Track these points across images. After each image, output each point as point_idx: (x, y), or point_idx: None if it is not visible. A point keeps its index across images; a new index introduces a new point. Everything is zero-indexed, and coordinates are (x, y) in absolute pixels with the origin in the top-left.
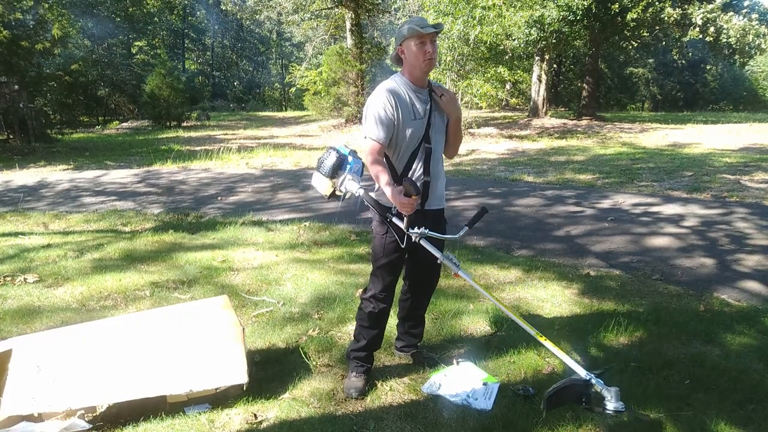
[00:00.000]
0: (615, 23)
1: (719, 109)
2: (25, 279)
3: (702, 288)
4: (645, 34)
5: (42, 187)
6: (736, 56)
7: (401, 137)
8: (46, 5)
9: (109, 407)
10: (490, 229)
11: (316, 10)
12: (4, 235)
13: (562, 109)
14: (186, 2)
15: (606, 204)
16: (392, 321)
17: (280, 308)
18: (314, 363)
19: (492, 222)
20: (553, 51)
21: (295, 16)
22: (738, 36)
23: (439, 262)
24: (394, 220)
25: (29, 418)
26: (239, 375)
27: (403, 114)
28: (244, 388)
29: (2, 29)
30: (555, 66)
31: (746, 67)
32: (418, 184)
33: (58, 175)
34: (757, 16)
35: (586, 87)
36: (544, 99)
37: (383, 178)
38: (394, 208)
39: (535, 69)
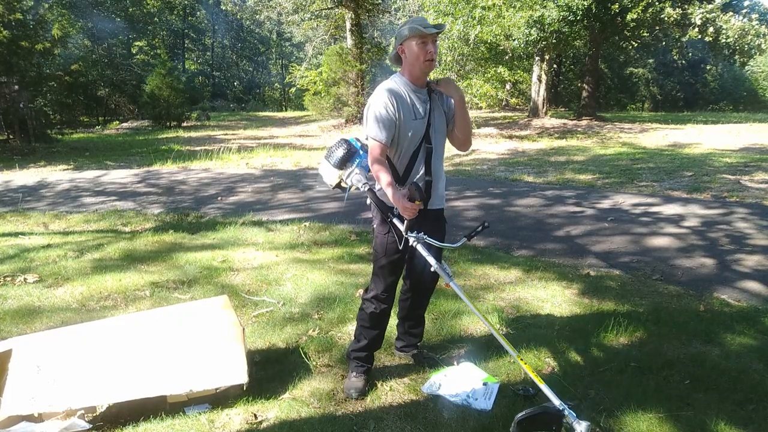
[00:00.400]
0: (615, 23)
1: (719, 109)
2: (25, 279)
3: (702, 288)
4: (645, 34)
5: (42, 187)
6: (736, 56)
7: (402, 137)
8: (46, 5)
9: (109, 407)
10: (490, 229)
11: (316, 11)
12: (4, 235)
13: (562, 109)
14: (186, 2)
15: (606, 204)
16: (392, 321)
17: (280, 308)
18: (314, 363)
19: (492, 222)
20: (553, 51)
21: (295, 16)
22: (736, 36)
23: (432, 269)
24: (395, 221)
25: (29, 418)
26: (239, 375)
27: (404, 114)
28: (244, 388)
29: (2, 29)
30: (555, 66)
31: (746, 67)
32: (420, 184)
33: (58, 175)
34: (757, 16)
35: (586, 87)
36: (544, 99)
37: (384, 179)
38: (396, 209)
39: (535, 69)
